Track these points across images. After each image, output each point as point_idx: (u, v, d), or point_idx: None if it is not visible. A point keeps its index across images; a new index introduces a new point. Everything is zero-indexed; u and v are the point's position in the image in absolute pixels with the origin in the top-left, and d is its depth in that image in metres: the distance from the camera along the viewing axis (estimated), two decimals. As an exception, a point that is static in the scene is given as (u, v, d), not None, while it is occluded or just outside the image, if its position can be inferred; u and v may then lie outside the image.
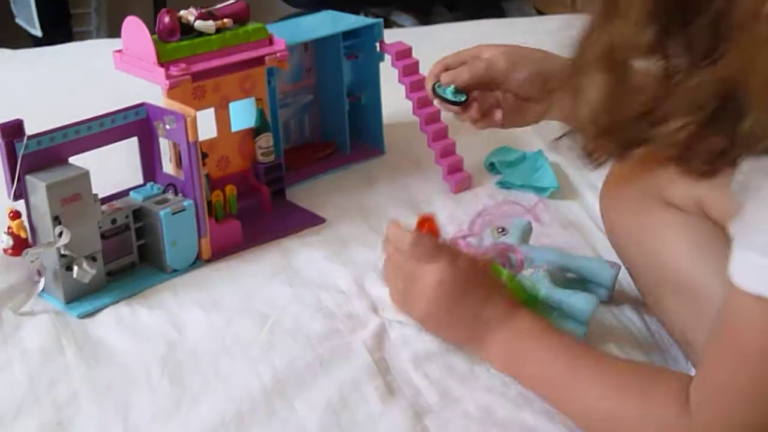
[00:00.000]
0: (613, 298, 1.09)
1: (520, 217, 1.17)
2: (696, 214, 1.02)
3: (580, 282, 1.08)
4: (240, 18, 1.19)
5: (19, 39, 2.38)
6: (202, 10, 1.16)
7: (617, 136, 0.77)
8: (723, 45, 0.68)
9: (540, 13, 2.64)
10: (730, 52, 0.67)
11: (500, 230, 1.13)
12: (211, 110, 1.19)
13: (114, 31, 2.73)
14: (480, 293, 0.97)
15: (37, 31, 2.39)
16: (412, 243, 0.98)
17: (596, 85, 0.75)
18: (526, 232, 1.14)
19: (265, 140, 1.23)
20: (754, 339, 0.77)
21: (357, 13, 2.50)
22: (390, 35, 1.40)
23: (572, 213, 1.28)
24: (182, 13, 1.15)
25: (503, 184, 1.34)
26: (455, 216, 1.25)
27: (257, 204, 1.24)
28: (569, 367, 0.92)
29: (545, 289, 1.03)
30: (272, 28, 1.26)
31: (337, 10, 2.41)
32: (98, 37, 2.71)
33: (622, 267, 1.09)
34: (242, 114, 1.22)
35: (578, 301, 1.01)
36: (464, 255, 1.01)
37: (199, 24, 1.15)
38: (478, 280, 0.98)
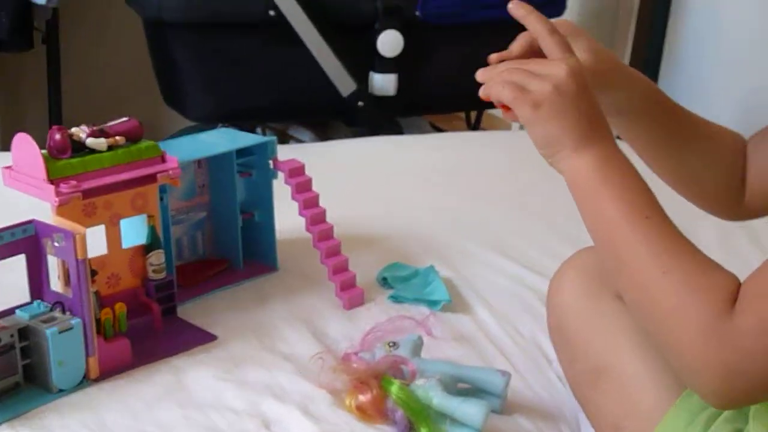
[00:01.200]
0: (505, 407, 1.10)
1: (411, 333, 1.19)
2: None
3: (472, 392, 1.10)
4: (133, 136, 1.19)
5: None
6: (94, 128, 1.15)
7: None
8: None
9: (437, 129, 2.69)
10: None
11: (392, 344, 1.14)
12: (102, 227, 1.18)
13: (6, 146, 2.71)
14: (594, 100, 0.94)
15: None
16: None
17: None
18: (418, 346, 1.15)
19: (156, 257, 1.22)
20: None
21: (255, 127, 2.53)
22: (287, 151, 1.42)
23: (463, 326, 1.30)
24: (74, 130, 1.14)
25: (396, 299, 1.35)
26: (347, 333, 1.25)
27: (148, 322, 1.22)
28: (644, 221, 0.89)
29: (438, 397, 1.04)
30: (165, 146, 1.26)
31: (235, 124, 2.43)
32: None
33: (512, 375, 1.12)
34: (133, 231, 1.21)
35: (470, 408, 1.02)
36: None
37: (90, 141, 1.14)
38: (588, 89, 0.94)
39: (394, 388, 1.04)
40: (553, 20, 1.01)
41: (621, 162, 0.92)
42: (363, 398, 1.05)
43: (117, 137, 1.18)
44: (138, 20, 2.39)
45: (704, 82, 2.72)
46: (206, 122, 2.45)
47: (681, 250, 0.88)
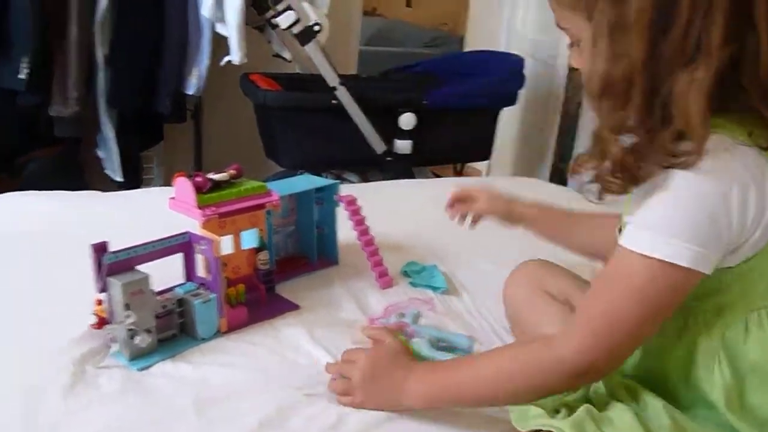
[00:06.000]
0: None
1: (414, 308, 1.18)
2: (563, 302, 1.04)
3: (449, 348, 1.09)
4: (239, 173, 1.20)
5: (105, 183, 2.36)
6: (215, 173, 1.17)
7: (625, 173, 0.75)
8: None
9: (435, 175, 2.69)
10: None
11: (401, 315, 1.14)
12: (231, 236, 1.18)
13: (167, 180, 2.74)
14: (388, 371, 0.92)
15: (119, 178, 2.37)
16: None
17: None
18: (417, 316, 1.16)
19: (263, 255, 1.22)
20: (628, 279, 0.74)
21: (321, 173, 2.52)
22: (344, 189, 1.41)
23: (454, 305, 1.28)
24: (209, 175, 1.15)
25: (413, 284, 1.33)
26: (381, 305, 1.24)
27: (257, 296, 1.21)
28: (471, 370, 0.87)
29: (425, 350, 1.04)
30: (270, 185, 1.26)
31: (309, 169, 2.44)
32: (156, 183, 2.69)
33: (477, 339, 1.12)
34: (249, 238, 1.21)
35: (443, 358, 1.02)
36: (367, 356, 0.95)
37: (217, 176, 1.16)
38: (384, 368, 0.93)
39: (402, 339, 1.03)
40: (478, 186, 1.19)
41: (429, 372, 0.90)
42: None
43: (231, 171, 1.18)
44: (251, 104, 2.40)
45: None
46: (292, 169, 2.46)
47: (506, 350, 0.90)
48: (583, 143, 2.76)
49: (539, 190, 2.03)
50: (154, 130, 2.54)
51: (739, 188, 0.71)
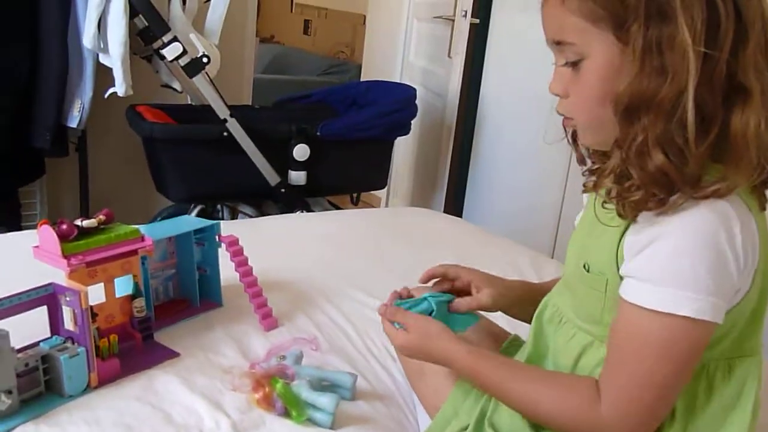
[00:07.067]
0: (354, 396, 1.09)
1: (296, 348, 1.16)
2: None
3: (331, 387, 1.08)
4: (109, 218, 1.15)
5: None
6: (84, 218, 1.12)
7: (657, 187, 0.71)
8: None
9: (332, 204, 2.68)
10: None
11: (281, 357, 1.12)
12: (102, 284, 1.13)
13: (52, 216, 2.61)
14: (438, 343, 0.90)
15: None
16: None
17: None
18: (299, 357, 1.14)
19: (139, 302, 1.17)
20: (651, 341, 0.72)
21: (215, 205, 2.48)
22: (235, 225, 1.37)
23: (339, 340, 1.27)
24: (76, 221, 1.10)
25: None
26: (265, 346, 1.21)
27: (133, 345, 1.16)
28: (511, 376, 0.85)
29: (305, 392, 1.02)
30: (149, 228, 1.22)
31: (201, 203, 2.39)
32: (41, 219, 2.57)
33: (359, 376, 1.11)
34: (123, 286, 1.16)
35: (324, 399, 1.01)
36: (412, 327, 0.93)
37: (85, 223, 1.10)
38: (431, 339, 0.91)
39: (278, 385, 1.02)
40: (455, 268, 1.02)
41: (475, 359, 0.88)
42: (257, 394, 1.03)
43: (100, 217, 1.13)
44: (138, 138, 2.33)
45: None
46: (183, 202, 2.40)
47: (547, 375, 0.86)
48: (478, 171, 2.83)
49: (435, 221, 2.07)
50: (33, 164, 2.42)
51: (741, 235, 0.70)
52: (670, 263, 0.70)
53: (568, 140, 0.88)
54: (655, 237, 0.71)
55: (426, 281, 1.04)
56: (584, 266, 0.82)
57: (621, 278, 0.76)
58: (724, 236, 0.69)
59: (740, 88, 0.69)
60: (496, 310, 1.02)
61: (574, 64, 0.75)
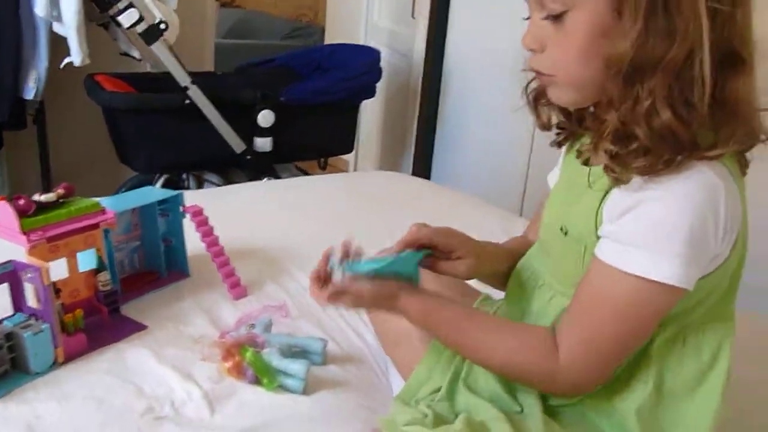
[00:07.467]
0: (326, 360, 1.09)
1: (266, 316, 1.16)
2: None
3: (302, 353, 1.08)
4: (69, 191, 1.13)
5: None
6: (44, 192, 1.10)
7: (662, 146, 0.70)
8: None
9: (300, 170, 2.66)
10: None
11: (251, 325, 1.12)
12: (64, 259, 1.11)
13: (14, 189, 2.55)
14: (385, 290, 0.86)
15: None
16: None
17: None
18: (269, 325, 1.13)
19: (103, 276, 1.16)
20: (617, 301, 0.72)
21: (181, 175, 2.44)
22: (202, 195, 1.34)
23: (309, 305, 1.26)
24: (34, 197, 1.08)
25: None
26: (234, 314, 1.21)
27: (99, 320, 1.15)
28: (468, 323, 0.84)
29: (276, 360, 1.02)
30: (107, 201, 1.20)
31: (166, 172, 2.35)
32: (2, 193, 2.51)
33: (328, 340, 1.11)
34: (86, 260, 1.14)
35: (295, 365, 1.01)
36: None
37: (43, 197, 1.08)
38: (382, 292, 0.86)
39: (248, 354, 1.02)
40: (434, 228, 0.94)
41: (426, 305, 0.86)
42: (227, 364, 1.03)
43: (59, 191, 1.11)
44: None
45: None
46: (147, 173, 2.36)
47: (502, 324, 0.86)
48: (445, 132, 2.82)
49: (403, 184, 2.06)
50: (-10, 138, 2.36)
51: (725, 203, 0.70)
52: (650, 228, 0.70)
53: (528, 103, 0.86)
54: (639, 201, 0.71)
55: (402, 248, 0.94)
56: (561, 229, 0.82)
57: (598, 238, 0.76)
58: (708, 205, 0.69)
59: (734, 53, 0.68)
60: (470, 279, 1.00)
61: (557, 17, 0.72)
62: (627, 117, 0.70)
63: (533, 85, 0.84)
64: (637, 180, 0.71)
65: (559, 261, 0.85)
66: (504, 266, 0.97)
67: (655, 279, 0.70)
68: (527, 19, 0.77)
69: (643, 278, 0.70)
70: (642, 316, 0.73)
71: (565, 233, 0.81)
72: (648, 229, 0.70)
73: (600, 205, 0.76)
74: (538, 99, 0.85)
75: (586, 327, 0.75)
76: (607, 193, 0.75)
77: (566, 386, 0.78)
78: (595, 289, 0.74)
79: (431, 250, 0.93)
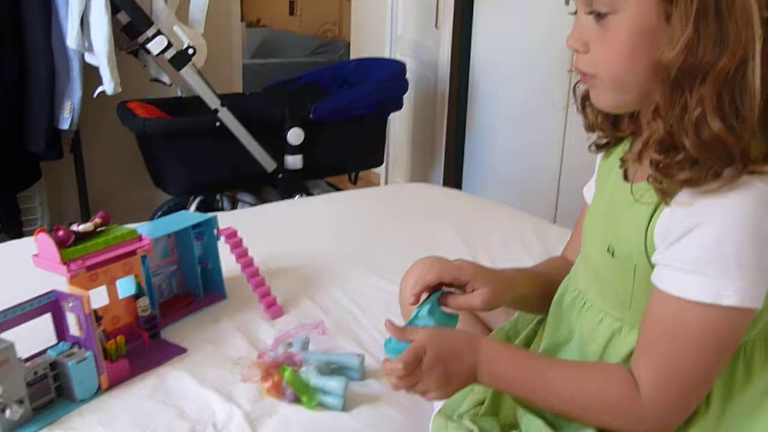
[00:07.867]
0: (364, 375, 1.09)
1: (302, 334, 1.17)
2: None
3: (340, 370, 1.08)
4: (105, 220, 1.14)
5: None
6: (80, 223, 1.11)
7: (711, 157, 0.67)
8: None
9: (332, 185, 2.67)
10: None
11: (288, 344, 1.12)
12: (104, 287, 1.13)
13: (54, 219, 2.61)
14: (452, 360, 0.81)
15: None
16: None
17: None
18: (306, 343, 1.14)
19: (143, 301, 1.17)
20: (691, 333, 0.69)
21: (215, 196, 2.48)
22: (233, 215, 1.35)
23: (346, 322, 1.27)
24: (72, 227, 1.10)
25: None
26: (271, 334, 1.21)
27: (140, 344, 1.17)
28: (540, 376, 0.79)
29: (314, 378, 1.03)
30: (142, 228, 1.22)
31: (200, 194, 2.38)
32: (43, 223, 2.57)
33: (366, 355, 1.10)
34: (125, 286, 1.16)
35: (333, 382, 1.01)
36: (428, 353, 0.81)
37: (81, 227, 1.10)
38: (445, 356, 0.81)
39: (287, 373, 1.02)
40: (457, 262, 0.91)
41: (501, 361, 0.81)
42: (266, 384, 1.03)
43: (96, 220, 1.13)
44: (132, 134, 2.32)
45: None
46: (181, 195, 2.40)
47: (579, 367, 0.81)
48: (474, 139, 2.82)
49: (435, 195, 2.06)
50: (29, 169, 2.41)
51: None
52: (712, 252, 0.67)
53: (577, 107, 0.84)
54: (695, 223, 0.68)
55: (418, 297, 0.92)
56: (608, 250, 0.79)
57: (652, 264, 0.73)
58: (765, 220, 0.66)
59: None
60: (490, 310, 0.95)
61: (601, 16, 0.70)
62: (674, 126, 0.68)
63: (581, 85, 0.82)
64: (687, 197, 0.68)
65: (607, 282, 0.82)
66: (527, 290, 0.94)
67: (727, 304, 0.67)
68: (573, 14, 0.75)
69: (714, 305, 0.67)
70: (719, 343, 0.70)
71: (612, 254, 0.78)
72: (709, 252, 0.67)
73: (649, 223, 0.73)
74: (585, 99, 0.83)
75: (663, 363, 0.72)
76: (656, 209, 0.72)
77: (650, 424, 0.74)
78: (664, 323, 0.71)
79: (442, 290, 0.91)
